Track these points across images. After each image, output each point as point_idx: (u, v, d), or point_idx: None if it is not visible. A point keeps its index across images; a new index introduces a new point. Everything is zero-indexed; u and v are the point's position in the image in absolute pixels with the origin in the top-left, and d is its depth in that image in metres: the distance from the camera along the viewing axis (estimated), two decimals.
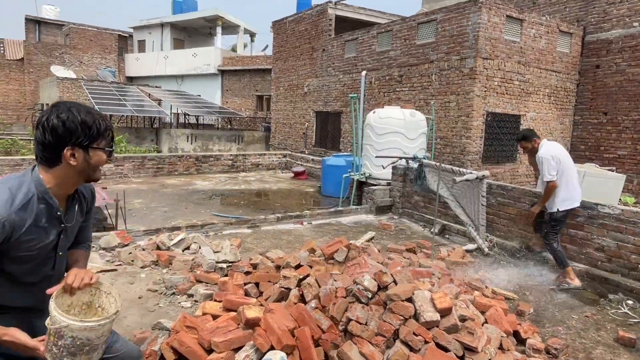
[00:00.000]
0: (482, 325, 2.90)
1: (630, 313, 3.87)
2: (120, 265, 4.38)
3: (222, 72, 24.95)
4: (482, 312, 3.16)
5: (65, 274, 1.57)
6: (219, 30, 26.75)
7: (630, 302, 4.06)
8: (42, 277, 1.58)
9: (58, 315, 1.42)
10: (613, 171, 10.21)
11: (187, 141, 17.83)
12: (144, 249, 4.66)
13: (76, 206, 1.64)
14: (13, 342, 1.41)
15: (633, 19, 10.94)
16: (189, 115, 20.81)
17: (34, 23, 27.05)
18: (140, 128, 18.35)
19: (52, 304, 1.44)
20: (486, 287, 4.05)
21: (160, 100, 21.28)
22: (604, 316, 3.81)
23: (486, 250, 5.45)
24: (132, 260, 4.42)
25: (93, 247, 4.76)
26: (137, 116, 18.71)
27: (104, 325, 1.49)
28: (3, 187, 1.44)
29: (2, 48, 23.36)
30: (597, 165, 10.53)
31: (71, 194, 1.61)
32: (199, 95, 23.07)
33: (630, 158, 11.14)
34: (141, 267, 4.32)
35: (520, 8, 11.19)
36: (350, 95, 9.40)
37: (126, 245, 4.75)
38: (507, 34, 10.19)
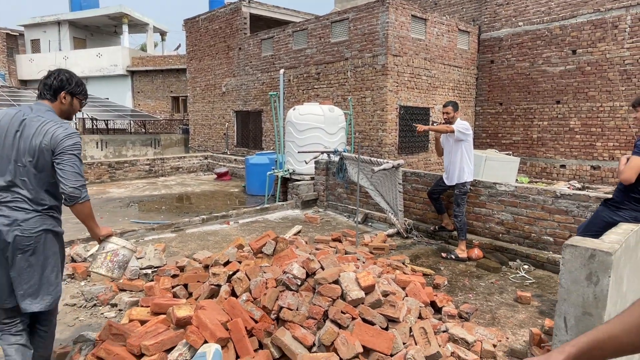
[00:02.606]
0: (403, 299, 3.16)
1: (526, 276, 4.43)
2: None
3: (132, 73, 23.58)
4: (403, 288, 3.44)
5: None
6: (125, 28, 25.21)
7: (526, 266, 4.64)
8: None
9: (119, 241, 2.56)
10: (510, 155, 11.44)
11: (97, 147, 16.64)
12: None
13: None
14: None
15: (518, 19, 12.29)
16: (97, 120, 19.40)
17: None
18: None
19: (113, 238, 2.56)
20: (406, 265, 4.38)
21: None
22: (506, 281, 4.32)
23: (404, 233, 5.85)
24: None
25: None
26: None
27: (133, 249, 2.65)
28: (51, 116, 2.34)
29: None
30: (497, 151, 11.72)
31: None
32: (107, 98, 21.59)
33: (523, 143, 12.54)
34: None
35: (423, 8, 12.04)
36: (269, 93, 9.46)
37: None
38: (413, 32, 10.91)
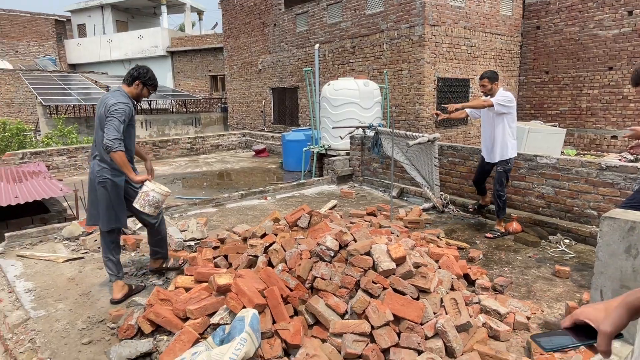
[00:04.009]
0: (435, 271, 3.20)
1: (566, 250, 4.32)
2: (86, 253, 4.39)
3: (172, 54, 24.12)
4: (436, 261, 3.47)
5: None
6: (163, 9, 25.67)
7: (567, 240, 4.52)
8: (134, 139, 3.51)
9: (151, 184, 3.28)
10: (555, 126, 10.93)
11: (142, 127, 17.34)
12: None
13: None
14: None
15: None
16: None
17: None
18: (90, 117, 17.62)
19: (148, 183, 3.28)
20: (440, 239, 4.39)
21: (108, 87, 20.39)
22: (544, 255, 4.24)
23: (441, 207, 5.81)
24: (99, 247, 4.43)
25: (56, 238, 4.74)
26: (84, 105, 17.91)
27: (166, 195, 3.37)
28: (118, 94, 3.30)
29: None
30: (542, 122, 11.22)
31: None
32: None
33: (571, 113, 11.91)
34: None
35: None
36: (304, 69, 9.46)
37: (90, 233, 4.74)
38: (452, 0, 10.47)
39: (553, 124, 11.51)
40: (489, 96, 4.69)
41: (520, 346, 2.69)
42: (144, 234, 4.74)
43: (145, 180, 3.32)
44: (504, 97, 4.57)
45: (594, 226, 4.51)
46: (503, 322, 2.83)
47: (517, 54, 12.64)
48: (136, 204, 3.26)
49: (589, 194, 4.59)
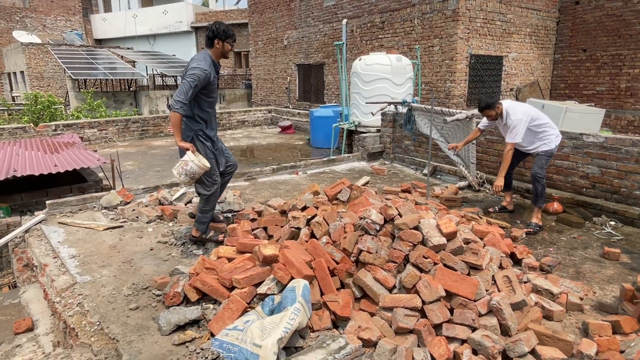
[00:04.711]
0: (483, 248, 3.11)
1: (613, 232, 4.16)
2: (125, 222, 4.45)
3: (196, 29, 23.98)
4: (481, 238, 3.37)
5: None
6: None
7: (612, 222, 4.35)
8: (213, 102, 3.62)
9: (192, 155, 3.34)
10: (592, 107, 10.48)
11: (168, 102, 17.42)
12: (146, 205, 4.72)
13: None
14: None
15: None
16: (166, 76, 20.18)
17: None
18: (117, 92, 17.77)
19: (189, 153, 3.34)
20: (480, 217, 4.28)
21: (134, 62, 20.49)
22: (590, 236, 4.09)
23: (476, 186, 5.67)
24: (137, 217, 4.49)
25: (95, 207, 4.81)
26: (111, 79, 18.05)
27: (203, 168, 3.38)
28: (202, 57, 3.43)
29: None
30: (577, 102, 10.77)
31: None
32: (174, 55, 22.27)
33: (609, 93, 11.40)
34: (147, 222, 4.39)
35: None
36: (335, 43, 9.26)
37: (128, 202, 4.80)
38: None
39: (589, 104, 11.04)
40: (497, 119, 4.39)
41: (575, 327, 2.60)
42: (180, 205, 4.77)
43: (188, 150, 3.36)
44: (515, 121, 4.17)
45: None
46: (555, 302, 2.75)
47: (553, 30, 12.09)
48: (174, 170, 3.38)
49: (639, 175, 4.39)
